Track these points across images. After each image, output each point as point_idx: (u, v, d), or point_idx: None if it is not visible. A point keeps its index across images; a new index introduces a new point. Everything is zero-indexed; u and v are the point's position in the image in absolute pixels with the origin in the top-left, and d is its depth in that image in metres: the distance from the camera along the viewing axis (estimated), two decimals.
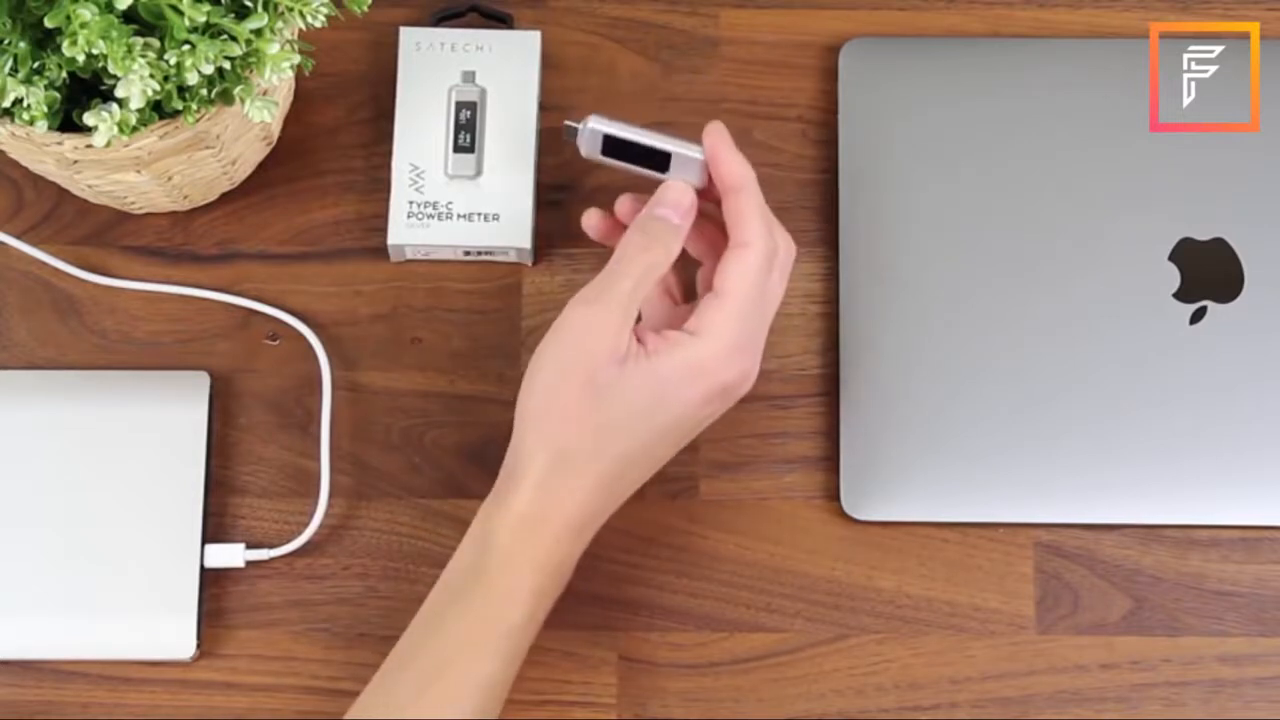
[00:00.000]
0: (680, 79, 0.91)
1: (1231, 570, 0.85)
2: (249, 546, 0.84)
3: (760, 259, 0.77)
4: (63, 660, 0.84)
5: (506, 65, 0.88)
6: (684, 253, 0.80)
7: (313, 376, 0.87)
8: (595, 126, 0.80)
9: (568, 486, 0.76)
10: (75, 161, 0.79)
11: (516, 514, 0.76)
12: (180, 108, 0.76)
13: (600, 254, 0.88)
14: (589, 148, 0.80)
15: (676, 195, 0.79)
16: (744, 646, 0.85)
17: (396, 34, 0.89)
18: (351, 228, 0.89)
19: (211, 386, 0.86)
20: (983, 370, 0.86)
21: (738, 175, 0.78)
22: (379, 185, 0.89)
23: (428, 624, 0.76)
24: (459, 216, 0.87)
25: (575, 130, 0.80)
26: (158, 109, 0.76)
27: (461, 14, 0.90)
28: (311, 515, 0.85)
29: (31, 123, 0.75)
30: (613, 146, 0.80)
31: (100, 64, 0.73)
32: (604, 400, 0.75)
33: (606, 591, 0.85)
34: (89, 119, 0.74)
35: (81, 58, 0.72)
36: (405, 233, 0.87)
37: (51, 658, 0.84)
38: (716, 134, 0.79)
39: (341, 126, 0.90)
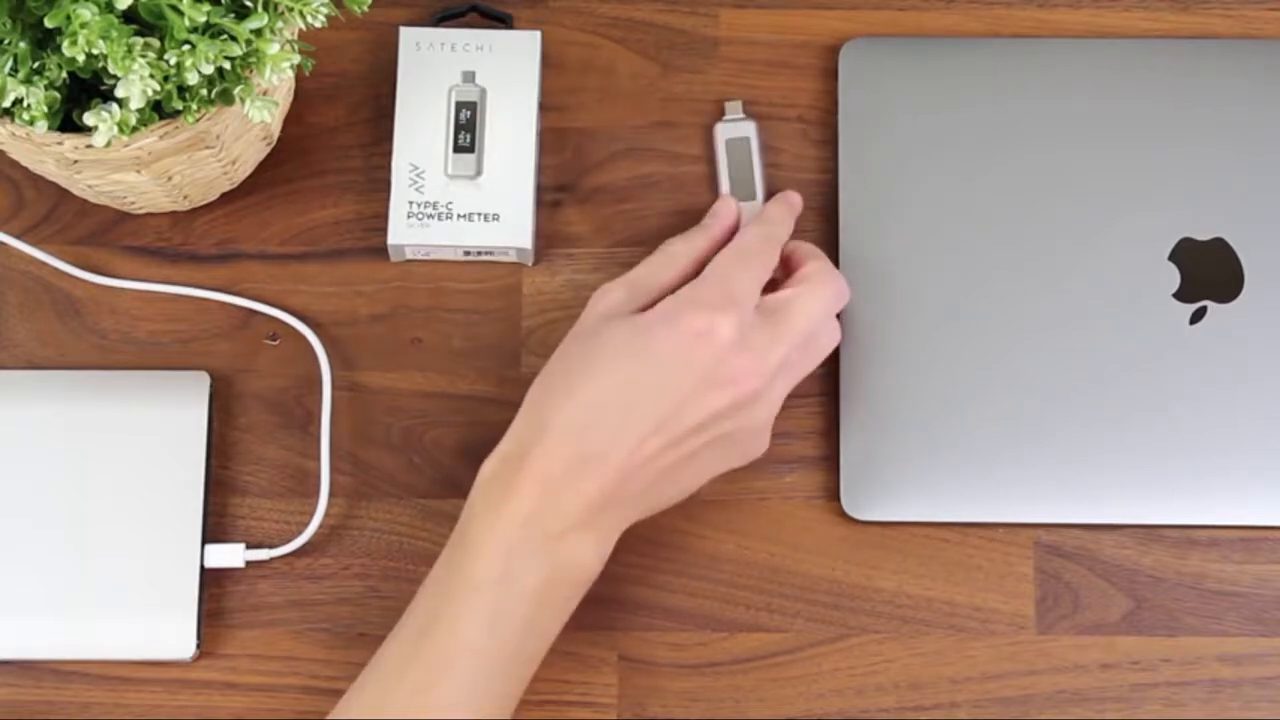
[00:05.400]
0: (680, 79, 0.90)
1: (1231, 570, 0.85)
2: (249, 546, 0.84)
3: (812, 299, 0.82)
4: (63, 660, 0.84)
5: (506, 65, 0.88)
6: None
7: (313, 376, 0.87)
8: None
9: (533, 434, 0.76)
10: (75, 161, 0.79)
11: (486, 471, 0.77)
12: (180, 108, 0.76)
13: (600, 254, 0.88)
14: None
15: (720, 206, 0.86)
16: (744, 646, 0.85)
17: (396, 34, 0.89)
18: (351, 228, 0.89)
19: (211, 386, 0.86)
20: (982, 370, 0.85)
21: (805, 257, 0.84)
22: (379, 185, 0.89)
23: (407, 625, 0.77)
24: (459, 216, 0.87)
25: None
26: (158, 109, 0.76)
27: (461, 14, 0.90)
28: (311, 515, 0.85)
29: (31, 123, 0.75)
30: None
31: (100, 64, 0.73)
32: (579, 344, 0.78)
33: (606, 591, 0.84)
34: (89, 119, 0.74)
35: (81, 58, 0.72)
36: (405, 233, 0.87)
37: (51, 658, 0.84)
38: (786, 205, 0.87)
39: (341, 126, 0.90)
